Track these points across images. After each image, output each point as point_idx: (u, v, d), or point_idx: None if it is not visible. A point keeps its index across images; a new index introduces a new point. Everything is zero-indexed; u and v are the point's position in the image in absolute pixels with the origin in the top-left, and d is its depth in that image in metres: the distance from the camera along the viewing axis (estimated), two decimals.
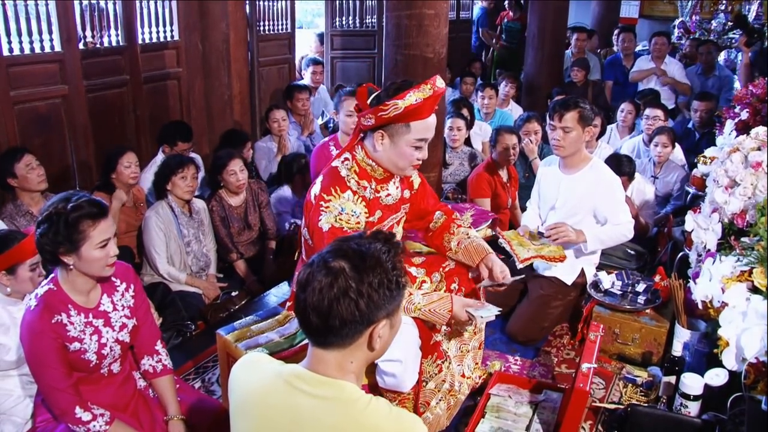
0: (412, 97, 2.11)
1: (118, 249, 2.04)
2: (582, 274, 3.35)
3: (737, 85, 6.12)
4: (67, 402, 2.00)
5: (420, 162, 2.32)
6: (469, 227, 2.67)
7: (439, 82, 2.19)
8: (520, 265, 3.19)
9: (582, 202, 3.27)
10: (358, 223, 2.24)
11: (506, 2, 8.97)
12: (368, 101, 2.23)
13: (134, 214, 3.83)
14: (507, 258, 3.53)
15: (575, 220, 3.29)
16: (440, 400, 2.54)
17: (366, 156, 2.31)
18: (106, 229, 1.97)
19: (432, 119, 2.24)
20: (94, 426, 2.01)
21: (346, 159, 2.33)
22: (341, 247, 1.36)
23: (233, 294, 3.70)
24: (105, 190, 3.62)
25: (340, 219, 2.20)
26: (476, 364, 2.78)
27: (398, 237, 2.54)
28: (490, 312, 2.30)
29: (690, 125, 5.45)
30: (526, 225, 3.48)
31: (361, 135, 2.34)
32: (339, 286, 1.31)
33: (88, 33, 4.31)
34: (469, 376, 2.72)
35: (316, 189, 2.31)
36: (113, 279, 2.15)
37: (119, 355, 2.16)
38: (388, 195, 2.40)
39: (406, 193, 2.51)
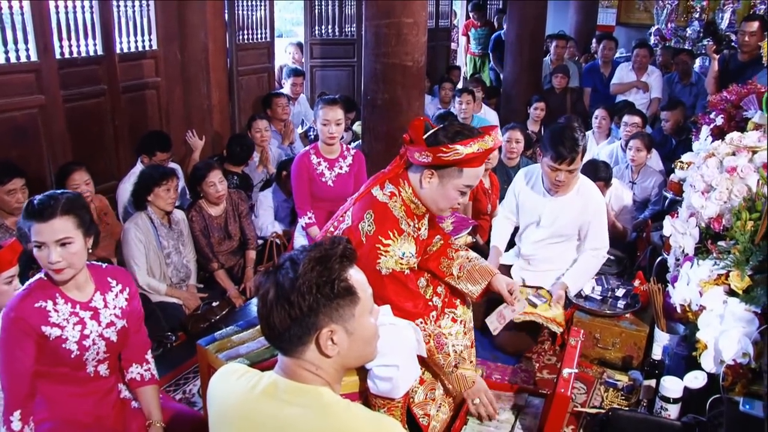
0: (475, 146, 2.16)
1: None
2: None
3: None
4: (13, 400, 1.94)
5: (459, 207, 2.37)
6: (462, 249, 2.66)
7: (499, 135, 2.27)
8: (519, 316, 3.10)
9: (569, 225, 3.28)
10: (415, 262, 2.32)
11: (471, 12, 9.04)
12: (425, 137, 2.22)
13: (99, 226, 3.73)
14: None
15: (560, 239, 3.31)
16: (440, 406, 2.53)
17: (413, 194, 2.31)
18: None
19: (482, 169, 2.29)
20: None
21: (393, 195, 2.30)
22: (290, 256, 1.39)
23: (214, 304, 3.67)
24: None
25: (401, 263, 2.24)
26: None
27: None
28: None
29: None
30: (495, 245, 3.50)
31: (405, 166, 2.34)
32: (273, 295, 1.34)
33: (65, 43, 4.27)
34: None
35: (368, 227, 2.24)
36: (109, 279, 2.16)
37: (105, 354, 2.13)
38: (425, 230, 2.45)
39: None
